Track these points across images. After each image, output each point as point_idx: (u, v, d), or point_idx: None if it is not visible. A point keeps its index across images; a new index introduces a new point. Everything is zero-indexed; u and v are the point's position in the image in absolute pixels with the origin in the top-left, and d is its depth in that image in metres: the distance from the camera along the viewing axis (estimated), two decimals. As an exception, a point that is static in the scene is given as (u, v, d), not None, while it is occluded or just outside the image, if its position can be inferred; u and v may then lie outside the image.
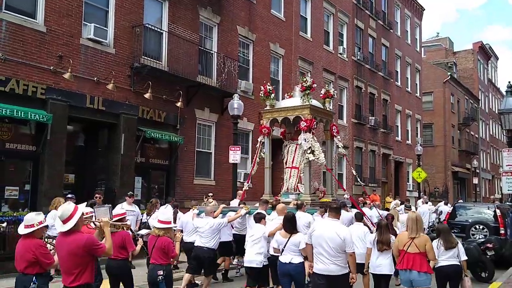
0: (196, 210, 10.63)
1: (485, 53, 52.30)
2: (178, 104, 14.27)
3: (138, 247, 7.09)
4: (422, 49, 40.14)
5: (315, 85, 12.60)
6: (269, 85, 13.31)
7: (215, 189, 15.89)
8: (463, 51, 50.86)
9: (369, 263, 7.74)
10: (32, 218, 5.42)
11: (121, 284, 7.19)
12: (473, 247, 10.73)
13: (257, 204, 10.65)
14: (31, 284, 5.21)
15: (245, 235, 9.83)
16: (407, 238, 6.67)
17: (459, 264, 7.22)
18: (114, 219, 6.76)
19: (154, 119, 14.10)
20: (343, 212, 9.91)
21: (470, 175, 44.09)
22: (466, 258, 7.28)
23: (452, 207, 17.40)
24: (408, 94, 33.55)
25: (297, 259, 6.95)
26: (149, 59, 13.99)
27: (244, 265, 8.41)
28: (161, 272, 6.52)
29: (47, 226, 6.00)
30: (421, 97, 36.39)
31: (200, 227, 9.14)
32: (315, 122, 12.47)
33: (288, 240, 7.03)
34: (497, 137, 56.97)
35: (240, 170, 16.79)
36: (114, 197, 12.47)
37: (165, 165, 14.95)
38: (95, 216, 6.11)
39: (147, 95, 13.13)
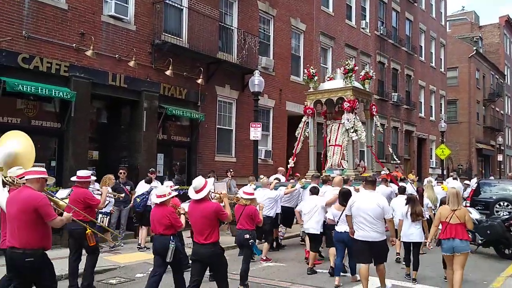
0: (253, 185, 11.37)
1: (511, 27, 50.78)
2: (199, 81, 14.26)
3: (230, 216, 7.76)
4: (447, 23, 39.13)
5: (356, 67, 13.90)
6: (312, 68, 14.34)
7: (235, 165, 15.98)
8: (489, 25, 49.40)
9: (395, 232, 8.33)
10: (163, 190, 6.66)
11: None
12: (497, 223, 10.61)
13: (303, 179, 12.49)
14: (170, 242, 6.40)
15: (291, 207, 11.15)
16: (449, 211, 7.25)
17: None
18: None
19: (175, 96, 14.15)
20: (382, 186, 11.83)
21: (495, 152, 43.34)
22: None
23: (476, 184, 17.20)
24: (432, 69, 32.89)
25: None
26: (169, 35, 13.97)
27: (305, 231, 9.58)
28: (247, 236, 7.47)
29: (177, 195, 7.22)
30: (445, 72, 35.65)
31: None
32: (357, 103, 13.50)
33: (342, 213, 8.00)
34: (523, 113, 55.62)
35: (261, 147, 16.82)
36: (137, 174, 12.65)
37: (186, 142, 15.05)
38: (214, 189, 7.32)
39: (168, 72, 13.16)
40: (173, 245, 6.41)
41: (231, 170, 14.60)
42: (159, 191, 6.70)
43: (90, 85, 11.77)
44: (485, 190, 16.45)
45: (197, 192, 6.02)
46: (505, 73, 48.57)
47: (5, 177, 5.70)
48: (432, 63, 32.85)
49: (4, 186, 5.68)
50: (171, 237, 6.46)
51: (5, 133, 6.61)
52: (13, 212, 5.15)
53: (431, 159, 32.08)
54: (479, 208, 14.63)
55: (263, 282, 8.29)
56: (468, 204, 14.80)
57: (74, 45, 11.55)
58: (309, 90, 14.27)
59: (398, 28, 28.08)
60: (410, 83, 29.41)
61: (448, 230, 7.19)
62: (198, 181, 6.11)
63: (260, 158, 16.48)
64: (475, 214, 11.97)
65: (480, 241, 11.05)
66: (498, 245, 10.92)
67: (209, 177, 11.05)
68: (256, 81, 14.04)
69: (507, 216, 11.98)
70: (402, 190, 10.34)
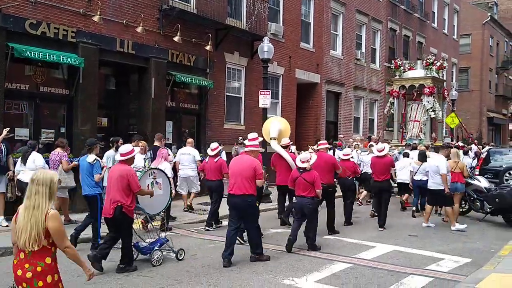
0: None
1: (529, -8, 49.27)
2: (208, 47, 14.10)
3: None
4: (462, -12, 38.12)
5: (436, 60, 19.01)
6: (398, 60, 19.87)
7: (244, 133, 15.84)
8: (506, -10, 48.06)
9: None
10: (382, 146, 10.78)
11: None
12: (506, 192, 10.58)
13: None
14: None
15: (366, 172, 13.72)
16: (452, 163, 10.86)
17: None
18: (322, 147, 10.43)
19: (183, 63, 14.02)
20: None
21: (506, 121, 42.90)
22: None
23: (486, 152, 17.07)
24: (445, 36, 32.27)
25: (425, 177, 11.17)
26: (177, 1, 13.74)
27: (398, 182, 13.20)
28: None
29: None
30: (458, 39, 34.95)
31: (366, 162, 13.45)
32: (435, 88, 17.80)
33: (419, 167, 11.79)
34: (537, 81, 54.63)
35: (270, 115, 16.71)
36: (147, 140, 12.65)
37: (195, 110, 15.01)
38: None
39: (176, 38, 13.01)
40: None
41: (240, 138, 14.59)
42: (379, 146, 10.80)
43: (97, 51, 11.68)
44: (496, 158, 16.36)
45: (379, 151, 10.49)
46: (520, 40, 47.52)
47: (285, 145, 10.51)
48: (444, 30, 32.19)
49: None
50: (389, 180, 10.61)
51: (269, 118, 12.21)
52: (320, 164, 8.94)
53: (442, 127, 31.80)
54: (488, 176, 14.57)
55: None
56: (477, 173, 14.74)
57: (81, 10, 11.40)
58: (395, 77, 19.24)
59: (411, -7, 27.41)
60: (422, 51, 28.88)
61: (453, 176, 10.72)
62: (381, 145, 10.97)
63: (269, 126, 16.41)
64: (484, 183, 11.95)
65: (488, 209, 11.06)
66: (507, 214, 10.91)
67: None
68: (265, 47, 13.85)
69: (516, 185, 11.95)
70: (466, 153, 14.54)
